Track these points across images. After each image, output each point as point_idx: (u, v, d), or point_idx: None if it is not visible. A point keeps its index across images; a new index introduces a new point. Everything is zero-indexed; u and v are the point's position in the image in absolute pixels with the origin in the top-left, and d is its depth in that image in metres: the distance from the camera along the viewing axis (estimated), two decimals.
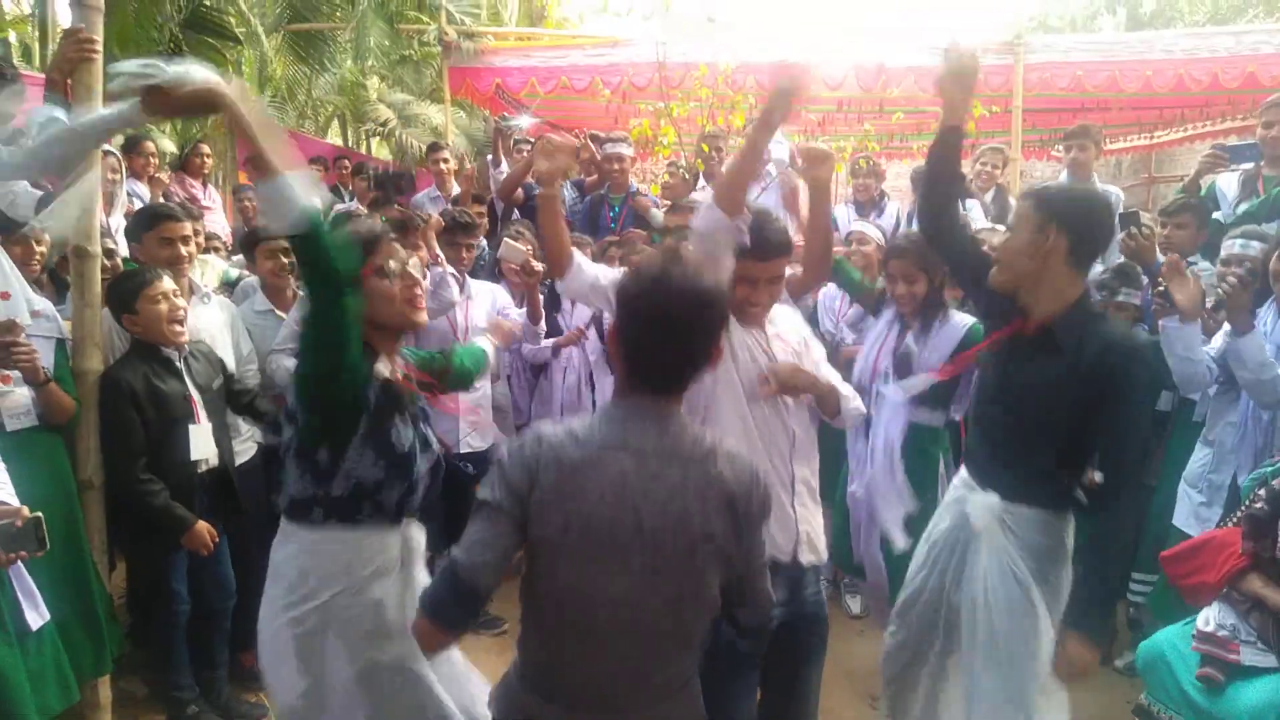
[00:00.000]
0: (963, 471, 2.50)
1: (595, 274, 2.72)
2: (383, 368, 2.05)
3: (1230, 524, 2.79)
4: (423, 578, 2.13)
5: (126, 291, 2.95)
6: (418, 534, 2.15)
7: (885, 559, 3.19)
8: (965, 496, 2.40)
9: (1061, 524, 2.28)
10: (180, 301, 3.01)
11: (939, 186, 2.47)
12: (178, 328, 2.98)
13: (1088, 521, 2.24)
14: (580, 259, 2.64)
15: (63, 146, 2.33)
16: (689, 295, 1.51)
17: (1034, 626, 2.22)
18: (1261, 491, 2.65)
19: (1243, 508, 2.72)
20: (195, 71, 1.85)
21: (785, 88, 2.21)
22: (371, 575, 2.02)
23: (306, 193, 1.77)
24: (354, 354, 1.89)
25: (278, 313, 3.76)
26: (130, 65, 1.86)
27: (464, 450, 3.91)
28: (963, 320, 3.21)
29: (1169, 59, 6.93)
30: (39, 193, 3.32)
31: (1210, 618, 2.67)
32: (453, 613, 1.50)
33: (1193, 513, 3.21)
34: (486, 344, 2.84)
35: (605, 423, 1.55)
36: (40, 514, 2.30)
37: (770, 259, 2.31)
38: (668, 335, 1.52)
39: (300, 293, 3.58)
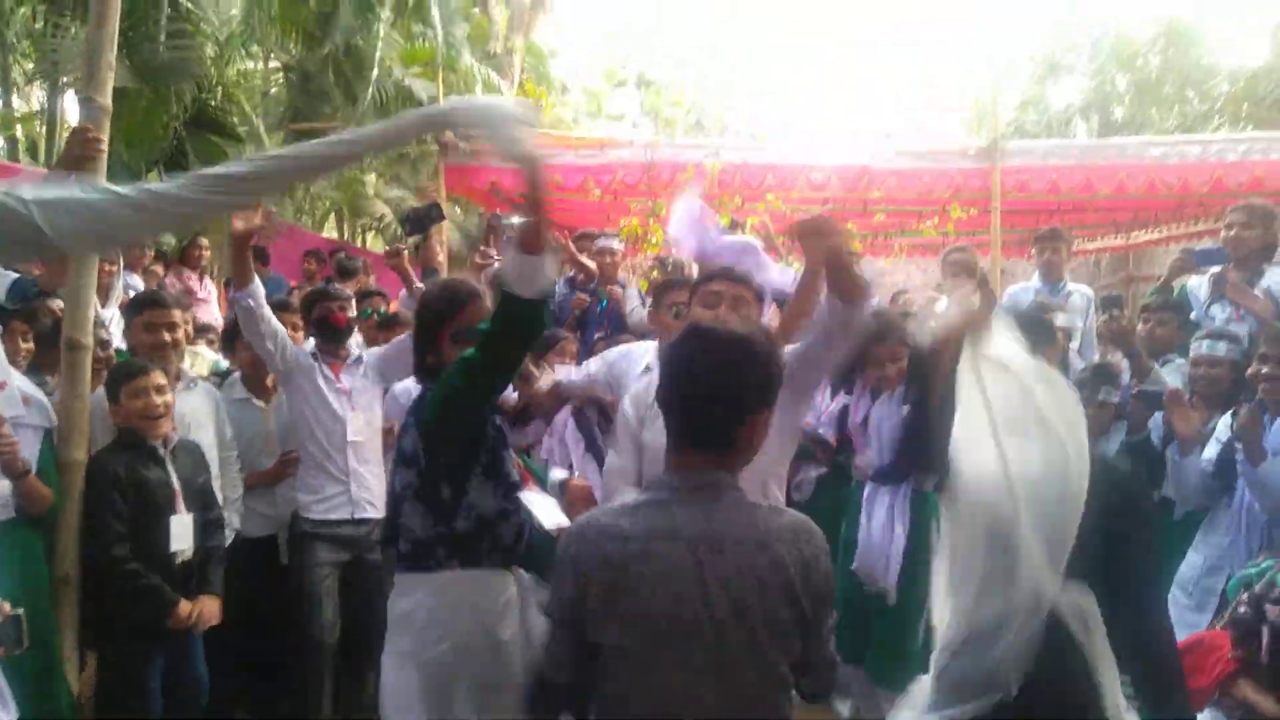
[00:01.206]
0: None
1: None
2: None
3: (1219, 626, 2.77)
4: (540, 622, 2.13)
5: (112, 382, 2.98)
6: (525, 577, 2.23)
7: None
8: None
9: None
10: (160, 398, 3.00)
11: None
12: (153, 423, 2.97)
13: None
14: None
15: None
16: (730, 342, 1.53)
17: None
18: (1245, 595, 2.65)
19: (1227, 612, 2.70)
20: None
21: (815, 233, 2.24)
22: (498, 615, 2.10)
23: (550, 271, 1.99)
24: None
25: (254, 401, 3.85)
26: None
27: None
28: None
29: (1140, 164, 7.21)
30: (12, 275, 3.38)
31: None
32: (545, 708, 1.61)
33: (1178, 617, 3.18)
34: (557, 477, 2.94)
35: (653, 506, 1.52)
36: (22, 610, 2.26)
37: (715, 278, 2.44)
38: (710, 384, 1.52)
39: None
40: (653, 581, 1.45)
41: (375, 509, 3.53)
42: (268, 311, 3.42)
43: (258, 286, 3.37)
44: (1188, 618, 3.13)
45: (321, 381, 3.57)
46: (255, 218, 3.20)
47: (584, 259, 5.80)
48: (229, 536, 3.48)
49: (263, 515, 3.73)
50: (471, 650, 2.05)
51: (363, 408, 3.63)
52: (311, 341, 3.73)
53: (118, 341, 4.00)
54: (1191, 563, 3.27)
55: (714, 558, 1.46)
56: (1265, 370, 3.10)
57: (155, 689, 2.96)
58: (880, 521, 3.27)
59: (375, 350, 3.91)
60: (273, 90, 9.62)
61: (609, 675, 1.50)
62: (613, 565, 1.46)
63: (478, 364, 2.01)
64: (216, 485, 3.43)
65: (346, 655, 3.54)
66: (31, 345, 3.41)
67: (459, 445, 2.10)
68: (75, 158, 2.99)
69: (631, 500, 1.56)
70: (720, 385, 1.53)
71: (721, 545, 1.47)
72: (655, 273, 5.50)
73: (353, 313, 3.85)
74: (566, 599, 1.50)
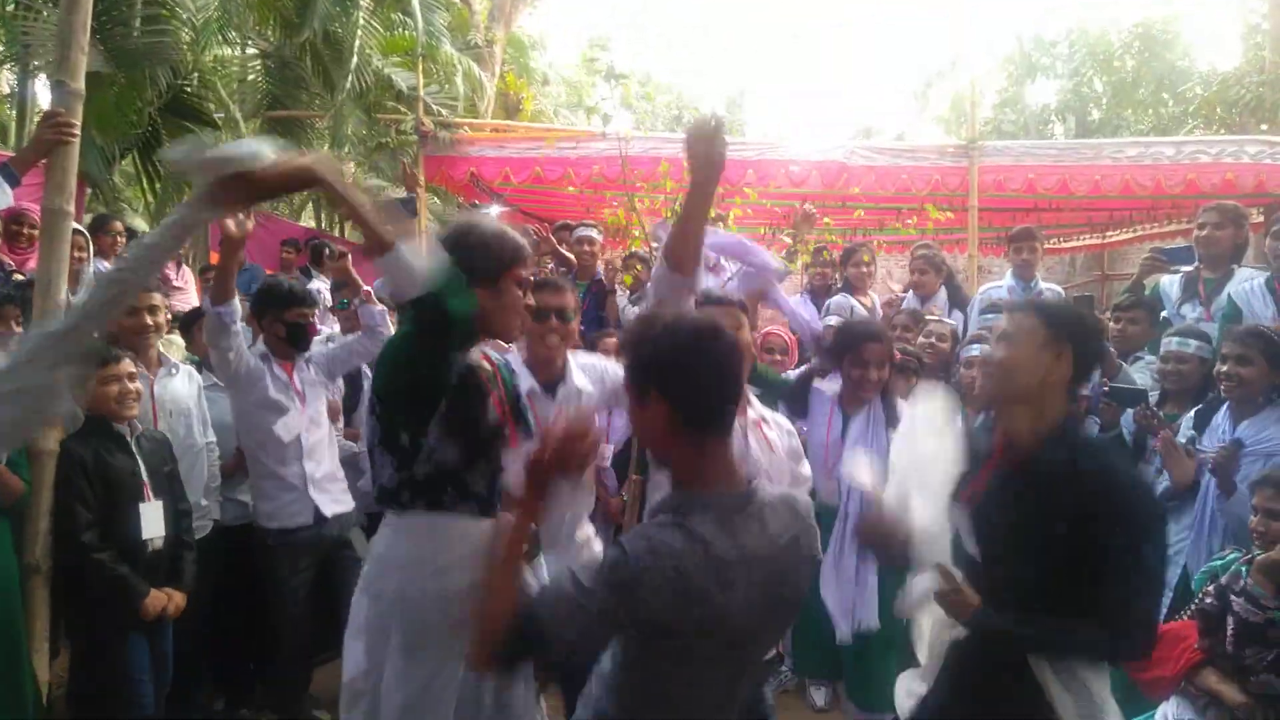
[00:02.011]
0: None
1: None
2: (474, 354, 2.15)
3: (1185, 616, 2.82)
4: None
5: None
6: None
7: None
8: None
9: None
10: (133, 385, 3.00)
11: None
12: (125, 408, 2.97)
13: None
14: None
15: (116, 285, 1.61)
16: (709, 322, 1.57)
17: None
18: (1210, 587, 2.70)
19: (1194, 603, 2.75)
20: (266, 149, 1.67)
21: (701, 149, 2.06)
22: (451, 564, 2.00)
23: (421, 259, 1.83)
24: (447, 373, 2.00)
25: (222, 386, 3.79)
26: (182, 150, 1.67)
27: None
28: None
29: (1116, 164, 7.28)
30: None
31: (1169, 713, 2.68)
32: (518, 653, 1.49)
33: None
34: None
35: (717, 527, 1.47)
36: None
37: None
38: (732, 375, 1.55)
39: None
40: (729, 610, 1.46)
41: (336, 504, 3.51)
42: (239, 328, 3.35)
43: (236, 305, 3.31)
44: None
45: (271, 385, 3.46)
46: (249, 222, 3.18)
47: (564, 250, 5.80)
48: (208, 526, 3.47)
49: (239, 502, 3.70)
50: (412, 594, 2.01)
51: (312, 405, 3.57)
52: (260, 341, 3.63)
53: None
54: None
55: (766, 576, 1.52)
56: (1224, 369, 3.17)
57: (145, 680, 2.93)
58: (850, 560, 3.19)
59: (323, 350, 3.85)
60: (250, 77, 9.47)
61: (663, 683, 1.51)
62: (691, 595, 1.43)
63: (413, 347, 1.96)
64: (198, 471, 3.44)
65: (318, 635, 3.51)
66: (23, 330, 3.37)
67: (409, 402, 2.03)
68: (47, 142, 2.96)
69: (691, 522, 1.47)
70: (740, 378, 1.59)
71: (773, 562, 1.53)
72: (638, 267, 5.50)
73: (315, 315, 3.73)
74: (645, 616, 1.42)
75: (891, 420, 3.22)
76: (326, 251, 6.40)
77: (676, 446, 1.56)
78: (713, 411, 1.55)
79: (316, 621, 3.46)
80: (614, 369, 2.79)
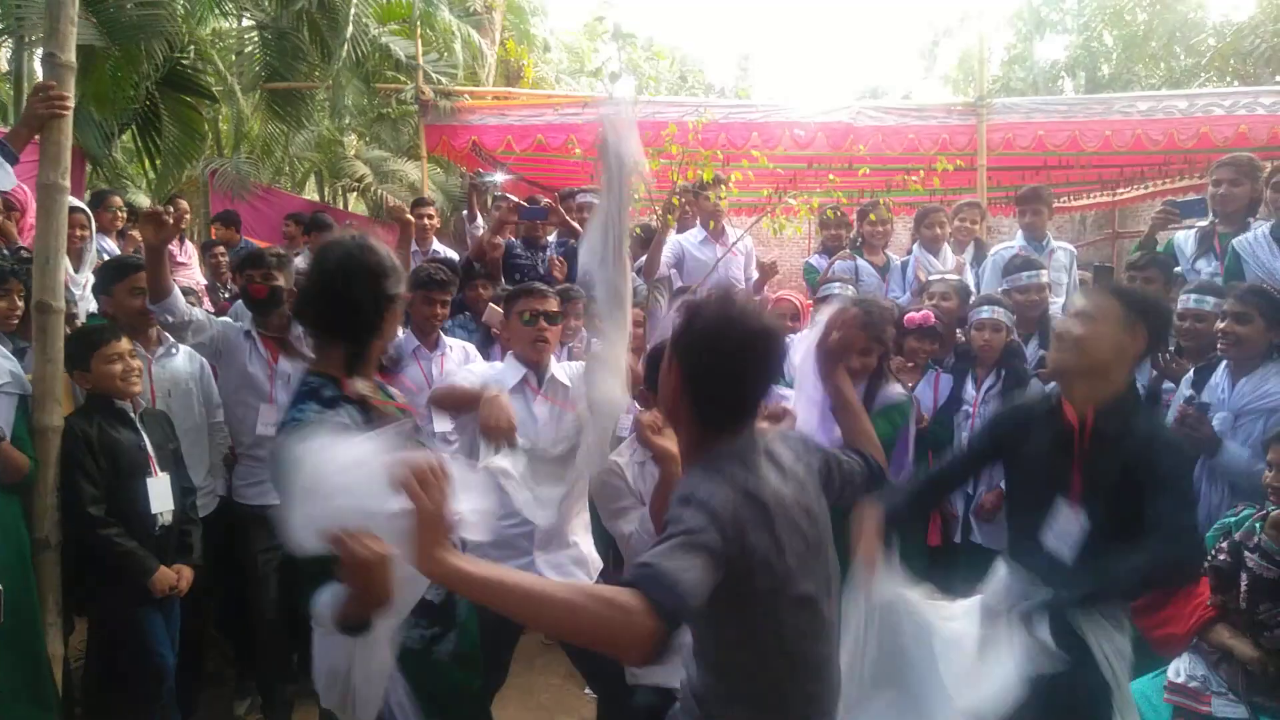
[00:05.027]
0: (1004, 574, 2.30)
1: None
2: (362, 387, 2.07)
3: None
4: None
5: (80, 350, 2.93)
6: None
7: None
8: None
9: None
10: (134, 361, 3.01)
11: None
12: (129, 384, 2.98)
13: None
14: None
15: None
16: (762, 323, 1.56)
17: None
18: (1224, 543, 2.68)
19: (1207, 559, 2.73)
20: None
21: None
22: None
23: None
24: None
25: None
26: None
27: None
28: (898, 391, 3.22)
29: (1127, 119, 7.16)
30: None
31: (1181, 669, 2.67)
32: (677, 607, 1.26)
33: None
34: None
35: (750, 471, 1.52)
36: (1, 586, 2.25)
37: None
38: (755, 364, 1.54)
39: None
40: (787, 538, 1.51)
41: None
42: (183, 311, 3.29)
43: (174, 299, 3.23)
44: None
45: (250, 363, 3.44)
46: (168, 229, 3.08)
47: (570, 220, 5.74)
48: (214, 503, 3.47)
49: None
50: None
51: None
52: (249, 317, 3.58)
53: (94, 305, 3.95)
54: None
55: (801, 502, 1.59)
56: (1222, 326, 3.14)
57: (167, 654, 2.96)
58: None
59: None
60: (247, 49, 9.34)
61: (767, 620, 1.51)
62: (760, 526, 1.47)
63: None
64: (200, 450, 3.43)
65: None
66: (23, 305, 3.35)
67: None
68: (39, 115, 2.92)
69: (718, 469, 1.50)
70: (767, 371, 1.60)
71: (803, 491, 1.60)
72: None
73: (281, 280, 3.55)
74: (729, 543, 1.42)
75: None
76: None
77: (686, 425, 1.59)
78: (723, 416, 1.57)
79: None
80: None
